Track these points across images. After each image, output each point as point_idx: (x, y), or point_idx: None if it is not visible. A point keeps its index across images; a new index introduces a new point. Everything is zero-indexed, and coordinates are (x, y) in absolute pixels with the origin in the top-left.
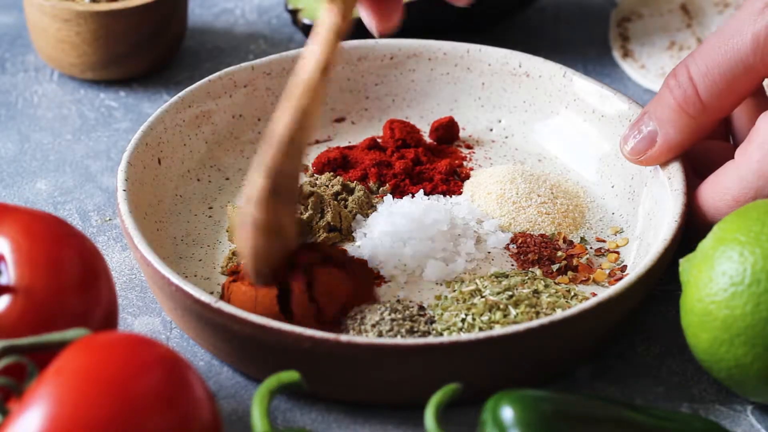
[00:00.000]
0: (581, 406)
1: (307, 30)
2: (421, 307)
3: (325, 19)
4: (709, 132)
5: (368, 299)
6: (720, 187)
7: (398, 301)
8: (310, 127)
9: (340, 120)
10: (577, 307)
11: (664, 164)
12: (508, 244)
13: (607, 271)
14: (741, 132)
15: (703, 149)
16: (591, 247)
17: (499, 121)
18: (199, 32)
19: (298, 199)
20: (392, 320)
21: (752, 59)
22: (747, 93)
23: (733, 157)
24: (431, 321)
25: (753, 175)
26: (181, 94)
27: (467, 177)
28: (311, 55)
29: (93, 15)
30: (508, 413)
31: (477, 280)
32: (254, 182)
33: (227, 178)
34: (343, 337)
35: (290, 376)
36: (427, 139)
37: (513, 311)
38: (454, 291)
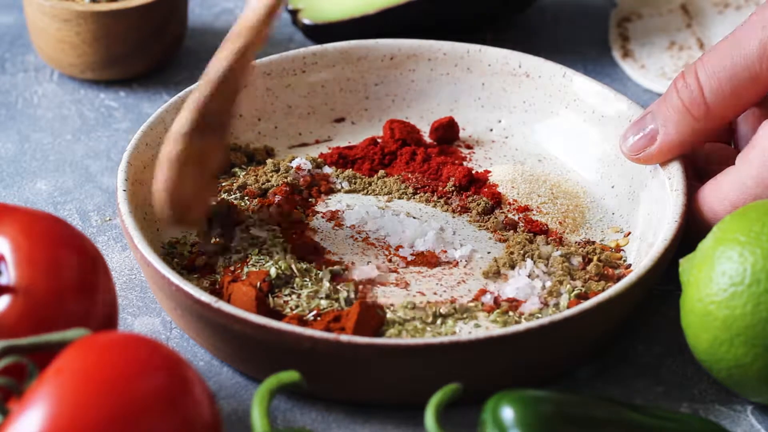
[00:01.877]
0: (581, 406)
1: (307, 30)
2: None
3: None
4: (711, 137)
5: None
6: (719, 193)
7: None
8: (247, 68)
9: (340, 120)
10: (577, 307)
11: (664, 164)
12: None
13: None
14: (743, 138)
15: (705, 152)
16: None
17: (499, 121)
18: (199, 32)
19: (229, 136)
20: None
21: (758, 67)
22: (753, 100)
23: (734, 162)
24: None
25: (752, 181)
26: (181, 94)
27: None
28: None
29: (93, 15)
30: (508, 413)
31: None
32: (180, 118)
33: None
34: (343, 337)
35: (290, 376)
36: (427, 139)
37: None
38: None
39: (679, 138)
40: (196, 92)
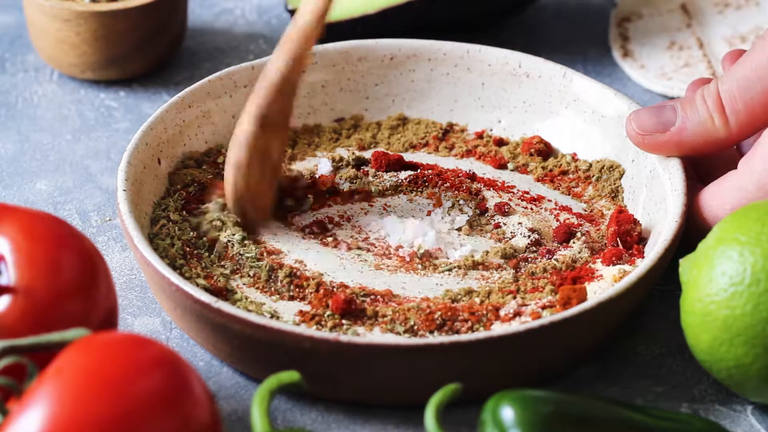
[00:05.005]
0: (581, 407)
1: None
2: None
3: None
4: (722, 150)
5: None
6: (720, 196)
7: None
8: (301, 71)
9: (340, 120)
10: (577, 307)
11: (664, 164)
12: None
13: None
14: (747, 142)
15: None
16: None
17: (499, 121)
18: (199, 32)
19: (288, 131)
20: None
21: None
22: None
23: (736, 166)
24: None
25: (753, 186)
26: (181, 94)
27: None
28: (308, 4)
29: (93, 15)
30: (508, 413)
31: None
32: (242, 122)
33: None
34: (343, 337)
35: (290, 376)
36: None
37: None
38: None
39: (691, 137)
40: (256, 96)
